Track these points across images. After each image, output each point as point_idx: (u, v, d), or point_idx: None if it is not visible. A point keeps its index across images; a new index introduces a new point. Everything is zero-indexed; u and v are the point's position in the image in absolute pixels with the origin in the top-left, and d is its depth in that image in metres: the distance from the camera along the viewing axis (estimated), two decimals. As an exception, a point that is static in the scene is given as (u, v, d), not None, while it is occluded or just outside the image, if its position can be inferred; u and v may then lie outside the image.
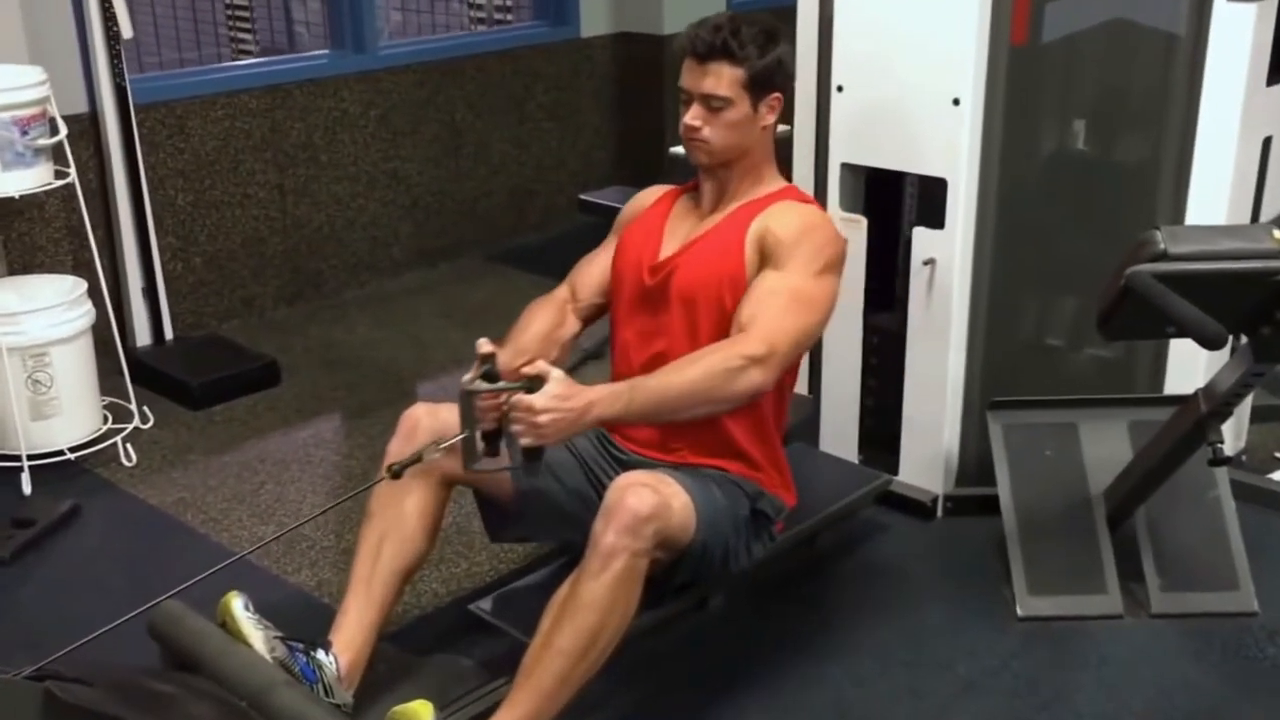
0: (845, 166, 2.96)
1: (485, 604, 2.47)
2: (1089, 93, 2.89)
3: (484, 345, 2.06)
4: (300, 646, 2.17)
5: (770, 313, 2.18)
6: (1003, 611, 2.66)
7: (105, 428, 3.42)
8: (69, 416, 3.31)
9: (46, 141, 3.18)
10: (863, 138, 2.91)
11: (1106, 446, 2.75)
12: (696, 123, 2.29)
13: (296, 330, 4.34)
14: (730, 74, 2.25)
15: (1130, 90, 2.88)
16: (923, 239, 2.86)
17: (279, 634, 2.17)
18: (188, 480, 3.30)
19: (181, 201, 4.16)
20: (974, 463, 3.00)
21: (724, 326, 2.29)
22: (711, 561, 2.26)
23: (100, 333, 3.71)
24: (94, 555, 2.97)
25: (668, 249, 2.38)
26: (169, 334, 4.08)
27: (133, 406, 3.55)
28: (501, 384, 2.02)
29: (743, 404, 2.20)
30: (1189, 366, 2.89)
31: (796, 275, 2.24)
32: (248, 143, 4.28)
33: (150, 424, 3.59)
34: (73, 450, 3.31)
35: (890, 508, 3.05)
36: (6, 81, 3.10)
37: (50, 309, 3.24)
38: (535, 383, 1.96)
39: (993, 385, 2.97)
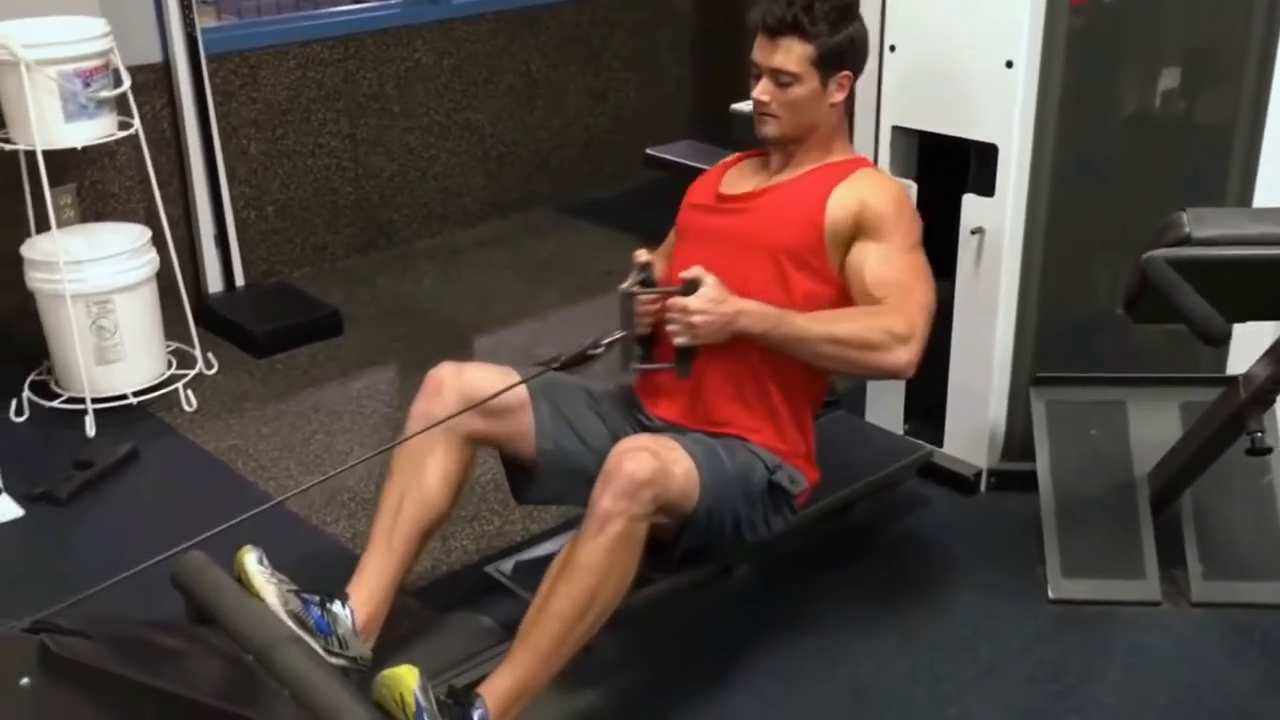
0: (897, 129, 2.88)
1: (505, 566, 2.49)
2: (1156, 55, 2.75)
3: (642, 255, 2.24)
4: (315, 600, 2.21)
5: (901, 289, 2.23)
6: (1035, 593, 2.59)
7: (168, 373, 3.52)
8: (132, 361, 3.41)
9: (109, 93, 3.25)
10: (914, 100, 2.82)
11: (1156, 428, 2.65)
12: (765, 98, 2.31)
13: (365, 279, 4.39)
14: (800, 50, 2.26)
15: (1201, 52, 2.74)
16: (972, 207, 2.77)
17: (293, 587, 2.21)
18: (242, 427, 3.38)
19: (254, 150, 4.22)
20: (1020, 438, 2.91)
21: (778, 282, 2.30)
22: (721, 530, 2.24)
23: (174, 279, 3.82)
24: (146, 499, 3.06)
25: (731, 189, 2.42)
26: (240, 281, 4.17)
27: (197, 353, 3.65)
28: (662, 288, 2.20)
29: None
30: (1255, 346, 2.76)
31: (901, 249, 2.28)
32: (320, 92, 4.32)
33: (214, 370, 3.68)
34: (135, 395, 3.41)
35: (933, 480, 2.99)
36: (69, 34, 3.17)
37: (113, 257, 3.33)
38: (690, 286, 2.11)
39: (1045, 359, 2.88)
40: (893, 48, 2.82)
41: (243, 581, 2.19)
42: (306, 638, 2.12)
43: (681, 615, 2.51)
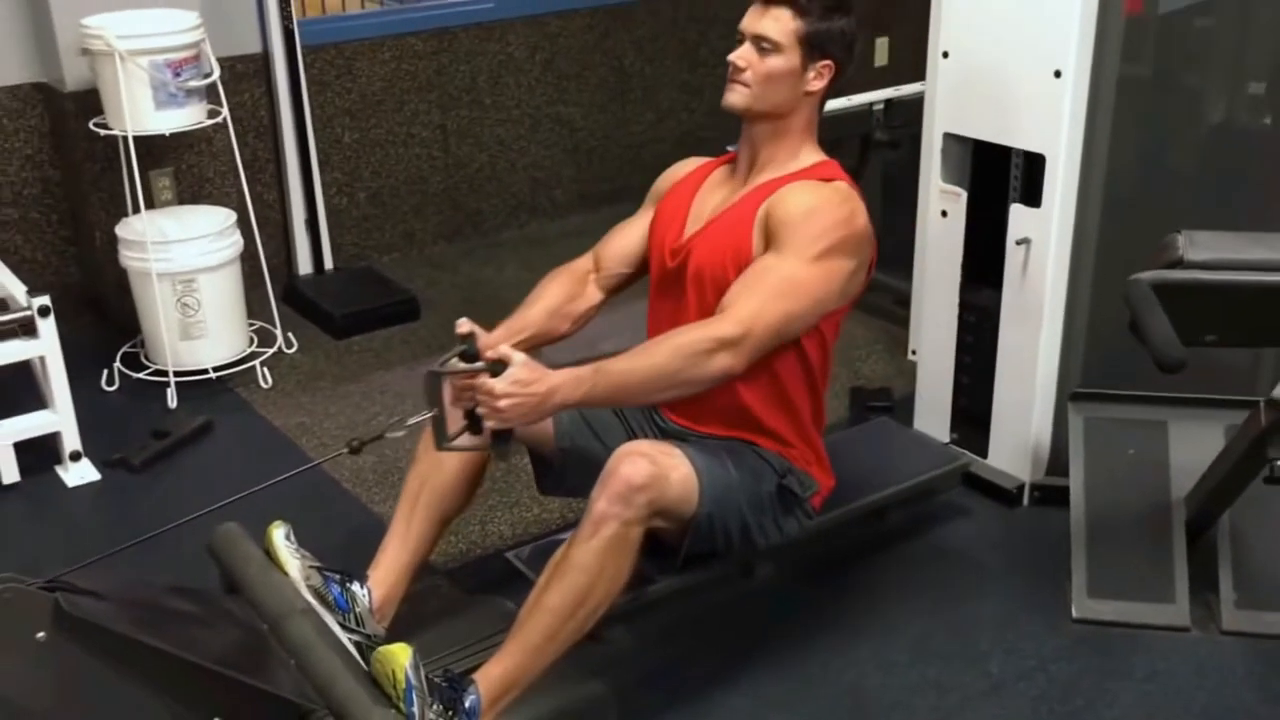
0: (948, 136, 2.86)
1: (524, 552, 2.56)
2: (1214, 65, 2.68)
3: (463, 325, 2.09)
4: (337, 577, 2.31)
5: (753, 296, 2.13)
6: (1059, 611, 2.56)
7: (249, 350, 3.69)
8: (214, 338, 3.58)
9: (198, 83, 3.42)
10: (966, 107, 2.80)
11: (1197, 449, 2.58)
12: (741, 63, 2.24)
13: (449, 266, 4.52)
14: (789, 22, 2.21)
15: (1263, 63, 2.65)
16: (1019, 217, 2.74)
17: (316, 564, 2.31)
18: (312, 405, 3.53)
19: (348, 139, 4.38)
20: (1065, 453, 2.86)
21: None
22: (726, 534, 2.27)
23: (269, 260, 4.01)
24: (213, 469, 3.22)
25: (691, 227, 2.35)
26: (329, 264, 4.34)
27: (278, 332, 3.81)
28: (465, 366, 2.03)
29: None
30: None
31: (791, 259, 2.17)
32: (413, 84, 4.46)
33: (294, 349, 3.84)
34: (216, 370, 3.59)
35: (976, 491, 2.96)
36: (161, 26, 3.34)
37: (199, 239, 3.50)
38: (498, 366, 1.99)
39: (1094, 374, 2.83)
40: (946, 54, 2.80)
41: (270, 555, 2.31)
42: (324, 612, 2.22)
43: (699, 611, 2.55)
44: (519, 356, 2.01)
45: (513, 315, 2.39)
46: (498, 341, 2.15)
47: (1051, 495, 2.88)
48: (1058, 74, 2.57)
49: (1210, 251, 1.77)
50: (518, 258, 4.61)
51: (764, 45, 2.22)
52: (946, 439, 3.05)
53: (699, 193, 2.40)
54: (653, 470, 2.08)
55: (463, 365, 2.03)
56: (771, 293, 2.14)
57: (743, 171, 2.35)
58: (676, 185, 2.46)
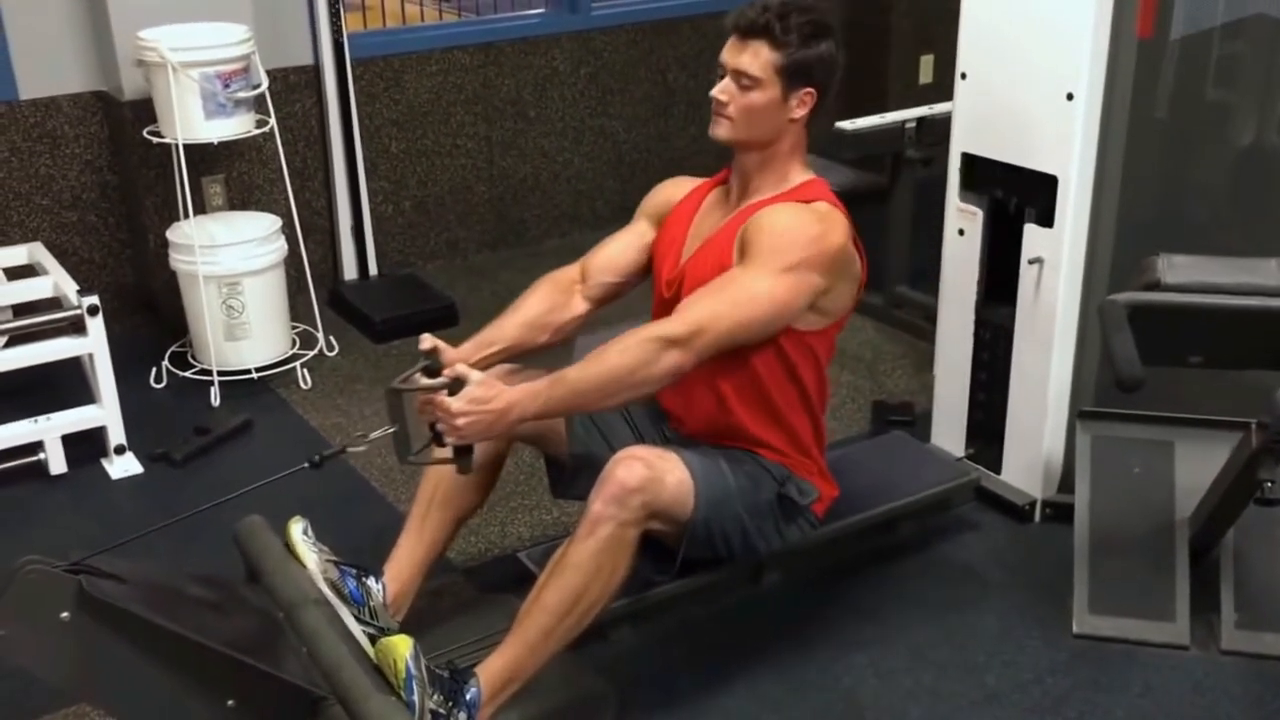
0: (966, 155, 2.90)
1: (535, 553, 2.64)
2: (1229, 88, 2.70)
3: (426, 341, 2.15)
4: (353, 571, 2.41)
5: (707, 300, 2.18)
6: (1061, 626, 2.59)
7: (291, 352, 3.83)
8: (257, 340, 3.72)
9: (246, 94, 3.56)
10: (982, 128, 2.84)
11: (1202, 470, 2.59)
12: (723, 97, 2.27)
13: (491, 274, 4.63)
14: (767, 56, 2.23)
15: (1274, 88, 2.67)
16: (1032, 237, 2.78)
17: (333, 558, 2.41)
18: (348, 407, 3.65)
19: (395, 149, 4.51)
20: (1077, 471, 2.90)
21: None
22: (725, 539, 2.34)
23: (316, 265, 4.15)
24: (250, 465, 3.34)
25: (687, 254, 2.40)
26: (373, 270, 4.47)
27: (319, 335, 3.94)
28: (426, 383, 2.08)
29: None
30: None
31: (753, 271, 2.21)
32: (459, 96, 4.58)
33: (335, 352, 3.97)
34: (258, 370, 3.72)
35: (990, 507, 3.00)
36: (212, 39, 3.48)
37: (244, 243, 3.64)
38: (455, 385, 2.04)
39: (1107, 393, 2.85)
40: (964, 75, 2.85)
41: (289, 548, 2.41)
42: (339, 604, 2.32)
43: (704, 614, 2.63)
44: (475, 375, 2.07)
45: (487, 327, 2.44)
46: (465, 357, 2.23)
47: (1063, 512, 2.90)
48: (1070, 96, 2.60)
49: (1186, 275, 1.81)
50: (558, 265, 4.68)
51: (743, 80, 2.24)
52: (962, 454, 3.09)
53: (695, 218, 2.45)
54: (647, 473, 2.15)
55: (425, 381, 2.09)
56: (728, 299, 2.18)
57: (735, 195, 2.40)
58: (675, 210, 2.50)
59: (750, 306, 2.19)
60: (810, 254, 2.23)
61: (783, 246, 2.21)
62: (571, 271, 2.56)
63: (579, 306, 2.51)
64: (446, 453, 2.18)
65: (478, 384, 2.07)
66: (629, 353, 2.12)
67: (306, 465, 2.19)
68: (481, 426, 2.07)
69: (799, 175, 2.37)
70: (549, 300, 2.49)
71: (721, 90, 2.27)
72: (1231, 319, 1.80)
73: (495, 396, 2.07)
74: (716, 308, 2.18)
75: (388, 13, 4.90)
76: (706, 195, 2.48)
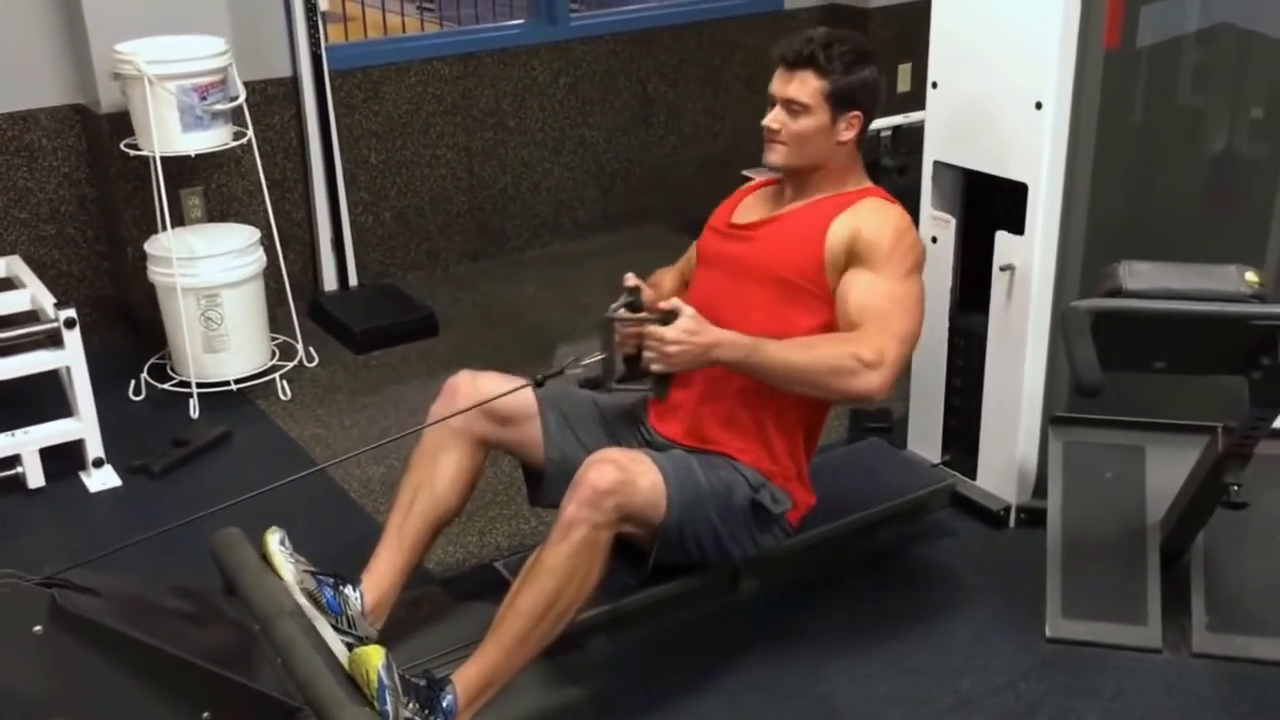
0: (939, 164, 2.93)
1: (512, 562, 2.65)
2: (1193, 97, 2.73)
3: (631, 279, 2.36)
4: (330, 581, 2.43)
5: (877, 317, 2.30)
6: (1034, 631, 2.60)
7: (270, 363, 3.83)
8: (236, 351, 3.72)
9: (224, 106, 3.56)
10: (954, 136, 2.87)
11: (1173, 474, 2.61)
12: (775, 125, 2.43)
13: (471, 284, 4.64)
14: (814, 84, 2.38)
15: (1240, 98, 2.70)
16: (1003, 244, 2.80)
17: (310, 568, 2.43)
18: (327, 418, 3.65)
19: (374, 160, 4.52)
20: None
21: (776, 310, 2.40)
22: (698, 543, 2.35)
23: (296, 276, 4.16)
24: (228, 477, 3.35)
25: (741, 218, 2.53)
26: (354, 281, 4.47)
27: (299, 346, 3.95)
28: (640, 315, 2.29)
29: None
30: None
31: (889, 278, 2.35)
32: (439, 107, 4.59)
33: (315, 363, 3.98)
34: (237, 382, 3.72)
35: (965, 513, 3.02)
36: (188, 52, 3.49)
37: (223, 255, 3.64)
38: (669, 317, 2.20)
39: (1079, 399, 2.87)
40: (935, 84, 2.87)
41: (266, 559, 2.42)
42: (316, 614, 2.33)
43: (681, 622, 2.63)
44: (688, 309, 2.22)
45: (665, 272, 2.69)
46: (665, 295, 2.38)
47: (1037, 517, 2.92)
48: (1039, 105, 2.63)
49: (1147, 281, 1.83)
50: (539, 277, 4.72)
51: (793, 107, 2.39)
52: (938, 460, 3.11)
53: (745, 200, 2.60)
54: (620, 476, 2.18)
55: (642, 314, 2.31)
56: (892, 311, 2.33)
57: (791, 193, 2.51)
58: (724, 204, 2.65)
59: (910, 315, 2.37)
60: (920, 255, 2.43)
61: (905, 249, 2.38)
62: (680, 263, 2.74)
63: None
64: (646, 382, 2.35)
65: (690, 318, 2.20)
66: (836, 359, 2.25)
67: (532, 382, 2.38)
68: (690, 357, 2.21)
69: (859, 183, 2.50)
70: (677, 280, 2.69)
71: (773, 119, 2.42)
72: (1191, 325, 1.82)
73: (704, 330, 2.21)
74: (888, 324, 2.30)
75: (369, 23, 4.92)
76: (758, 189, 2.63)
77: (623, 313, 2.33)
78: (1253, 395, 1.94)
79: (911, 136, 3.80)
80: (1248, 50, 2.67)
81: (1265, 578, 2.55)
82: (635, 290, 2.36)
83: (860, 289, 2.34)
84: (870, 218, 2.39)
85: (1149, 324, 1.82)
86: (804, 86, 2.38)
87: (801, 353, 2.28)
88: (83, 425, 3.26)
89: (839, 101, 2.39)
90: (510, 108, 4.74)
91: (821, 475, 2.70)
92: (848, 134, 2.43)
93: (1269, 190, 2.65)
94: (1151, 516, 2.63)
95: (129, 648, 1.98)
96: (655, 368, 2.24)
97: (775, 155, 2.44)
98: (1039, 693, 2.44)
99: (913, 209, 3.05)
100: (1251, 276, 1.83)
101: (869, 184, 2.52)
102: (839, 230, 2.39)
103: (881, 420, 3.46)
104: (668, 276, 2.71)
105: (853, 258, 2.37)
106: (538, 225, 4.96)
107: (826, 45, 2.39)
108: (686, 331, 2.19)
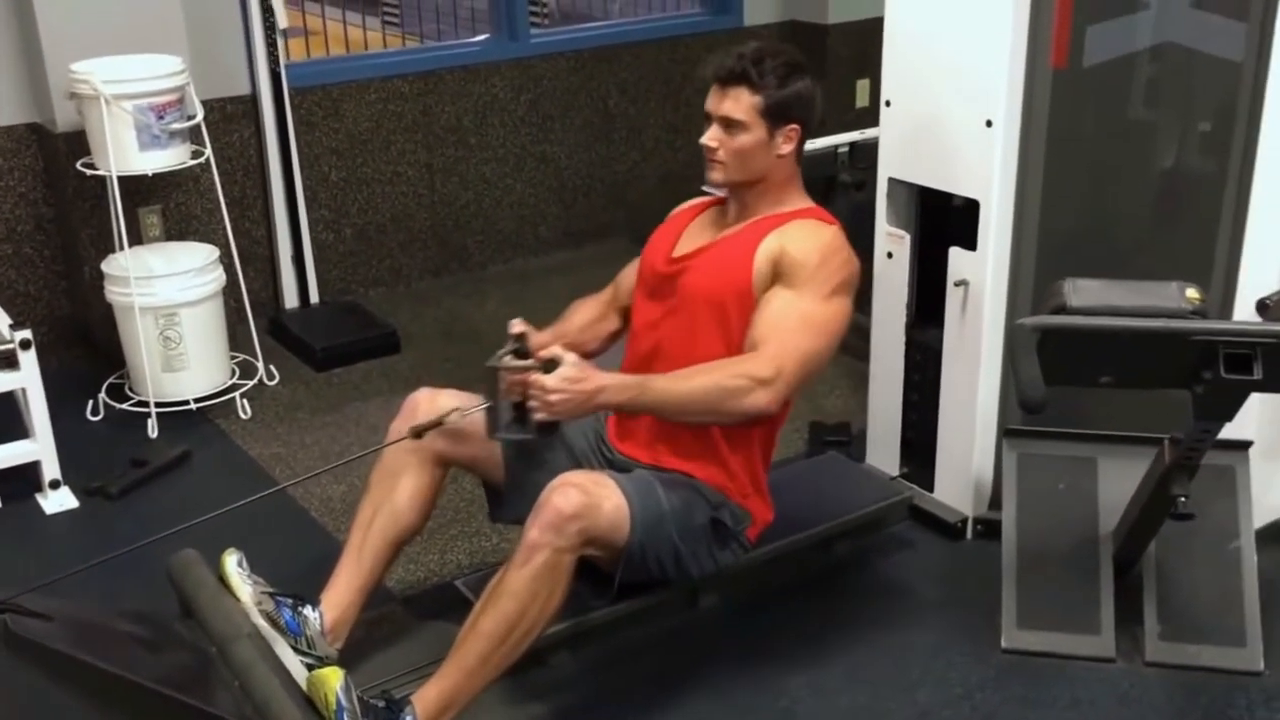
0: (893, 181, 2.96)
1: (472, 580, 2.66)
2: (1140, 115, 2.78)
3: (516, 325, 2.32)
4: (289, 601, 2.42)
5: (781, 335, 2.29)
6: (991, 642, 2.63)
7: (230, 382, 3.82)
8: (195, 370, 3.71)
9: (181, 125, 3.56)
10: (907, 153, 2.90)
11: (1125, 485, 2.64)
12: (713, 143, 2.42)
13: (434, 301, 4.64)
14: (748, 100, 2.37)
15: (1185, 115, 2.75)
16: (956, 260, 2.84)
17: (268, 590, 2.42)
18: (289, 436, 3.64)
19: (335, 177, 4.52)
20: (1006, 488, 2.95)
21: (720, 333, 2.40)
22: (659, 563, 2.37)
23: (257, 294, 4.14)
24: (188, 498, 3.33)
25: (682, 248, 2.51)
26: (315, 298, 4.47)
27: (259, 364, 3.94)
28: (521, 363, 2.25)
29: (742, 422, 2.34)
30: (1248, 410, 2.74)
31: (808, 298, 2.33)
32: (399, 124, 4.59)
33: (275, 381, 3.96)
34: (196, 401, 3.71)
35: (923, 525, 3.05)
36: (144, 71, 3.48)
37: (181, 274, 3.63)
38: (551, 365, 2.18)
39: (1037, 414, 2.91)
40: (888, 102, 2.91)
41: (223, 581, 2.42)
42: (274, 636, 2.33)
43: (642, 638, 2.65)
44: (570, 356, 2.20)
45: (554, 325, 2.62)
46: (549, 342, 2.34)
47: (993, 529, 2.94)
48: (989, 123, 2.67)
49: (1090, 298, 1.86)
50: (501, 293, 4.72)
51: (729, 125, 2.38)
52: (896, 473, 3.14)
53: (689, 226, 2.57)
54: (584, 500, 2.18)
55: (522, 362, 2.26)
56: (798, 331, 2.30)
57: (733, 214, 2.50)
58: (668, 222, 2.63)
59: (815, 335, 2.33)
60: (848, 275, 2.39)
61: (830, 269, 2.35)
62: (606, 292, 2.71)
63: (615, 321, 2.67)
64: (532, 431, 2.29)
65: (572, 365, 2.18)
66: (722, 383, 2.24)
67: (408, 436, 2.39)
68: (572, 405, 2.18)
69: (798, 200, 2.49)
70: (595, 311, 2.67)
71: (710, 137, 2.41)
72: (1134, 340, 1.86)
73: (587, 378, 2.19)
74: (790, 343, 2.29)
75: (332, 36, 4.91)
76: (701, 212, 2.60)
77: (510, 359, 2.28)
78: (1196, 408, 1.97)
79: (869, 152, 3.82)
80: (1192, 69, 2.72)
81: (1215, 587, 2.59)
82: (521, 337, 2.32)
83: (775, 307, 2.33)
84: (798, 237, 2.39)
85: (1094, 340, 1.85)
86: (738, 103, 2.37)
87: (690, 382, 2.26)
88: (39, 447, 3.24)
89: (775, 115, 2.38)
90: (471, 124, 4.75)
91: (780, 489, 2.73)
92: (786, 147, 2.42)
93: (1214, 205, 2.69)
94: (1104, 527, 2.66)
95: (83, 672, 1.97)
96: (538, 417, 2.20)
97: (716, 173, 2.44)
98: (995, 703, 2.46)
99: (869, 224, 3.10)
100: (1192, 293, 1.87)
101: (808, 203, 2.51)
102: (766, 248, 2.38)
103: (841, 434, 3.49)
104: (583, 309, 2.69)
105: (777, 276, 2.36)
106: (500, 241, 4.97)
107: (758, 60, 2.37)
108: (568, 380, 2.16)
